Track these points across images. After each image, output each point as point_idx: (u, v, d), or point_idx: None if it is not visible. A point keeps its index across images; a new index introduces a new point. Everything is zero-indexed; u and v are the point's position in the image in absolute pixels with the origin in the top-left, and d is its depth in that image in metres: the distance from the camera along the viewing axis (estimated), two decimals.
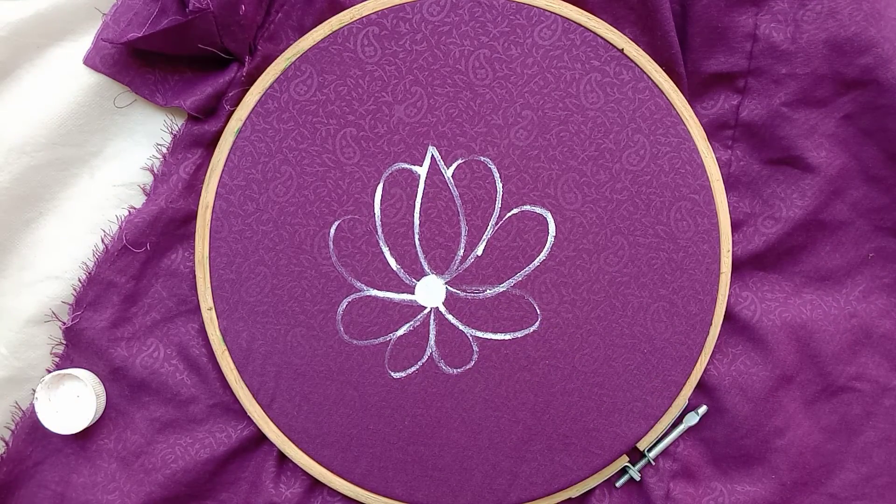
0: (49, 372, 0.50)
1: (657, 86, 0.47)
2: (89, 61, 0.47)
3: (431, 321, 0.49)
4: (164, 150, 0.49)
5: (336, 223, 0.48)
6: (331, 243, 0.48)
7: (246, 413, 0.49)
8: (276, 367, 0.49)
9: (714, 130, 0.50)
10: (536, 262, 0.48)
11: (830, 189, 0.50)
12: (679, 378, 0.49)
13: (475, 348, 0.49)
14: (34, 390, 0.49)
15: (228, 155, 0.48)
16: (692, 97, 0.49)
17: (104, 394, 0.49)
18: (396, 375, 0.49)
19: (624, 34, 0.47)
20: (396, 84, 0.47)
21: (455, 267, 0.48)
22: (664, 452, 0.51)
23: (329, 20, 0.47)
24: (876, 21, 0.47)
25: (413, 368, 0.49)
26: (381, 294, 0.48)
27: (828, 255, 0.51)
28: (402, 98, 0.47)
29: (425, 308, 0.49)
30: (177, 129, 0.49)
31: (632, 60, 0.47)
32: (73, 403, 0.48)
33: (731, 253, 0.48)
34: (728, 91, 0.49)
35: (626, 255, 0.48)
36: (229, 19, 0.45)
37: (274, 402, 0.49)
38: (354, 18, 0.47)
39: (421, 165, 0.48)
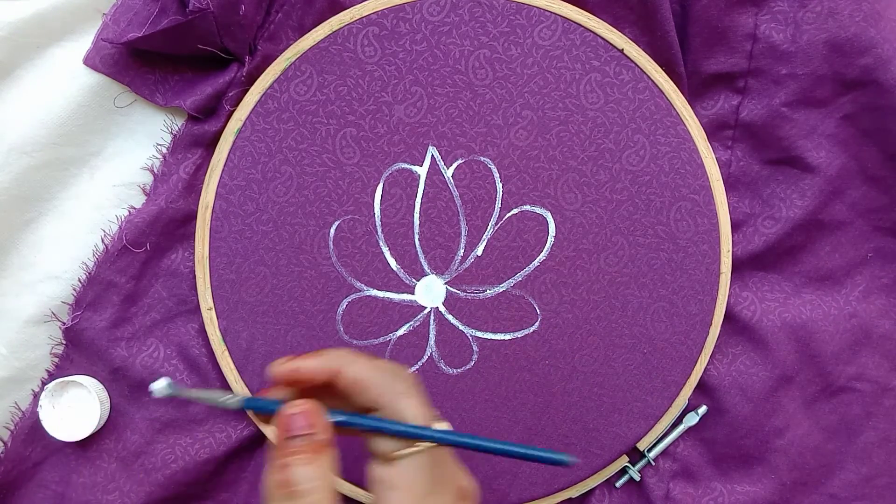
0: (49, 372, 0.49)
1: (657, 86, 0.47)
2: (89, 61, 0.47)
3: (431, 321, 0.49)
4: (164, 150, 0.49)
5: (336, 223, 0.48)
6: (331, 243, 0.48)
7: (246, 413, 0.49)
8: None
9: (714, 130, 0.50)
10: (536, 262, 0.48)
11: (830, 189, 0.50)
12: (679, 378, 0.49)
13: (475, 348, 0.49)
14: (34, 390, 0.49)
15: (228, 155, 0.48)
16: (692, 97, 0.49)
17: (108, 400, 0.49)
18: None
19: (624, 34, 0.47)
20: (396, 84, 0.47)
21: (455, 267, 0.48)
22: (664, 452, 0.51)
23: (329, 20, 0.47)
24: (876, 22, 0.47)
25: (413, 368, 0.49)
26: (381, 294, 0.48)
27: (827, 255, 0.51)
28: (402, 98, 0.47)
29: (425, 308, 0.49)
30: (177, 129, 0.49)
31: (632, 60, 0.47)
32: (77, 410, 0.48)
33: (730, 253, 0.48)
34: (728, 91, 0.49)
35: (626, 255, 0.48)
36: (229, 19, 0.45)
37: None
38: (354, 18, 0.47)
39: (421, 165, 0.48)
